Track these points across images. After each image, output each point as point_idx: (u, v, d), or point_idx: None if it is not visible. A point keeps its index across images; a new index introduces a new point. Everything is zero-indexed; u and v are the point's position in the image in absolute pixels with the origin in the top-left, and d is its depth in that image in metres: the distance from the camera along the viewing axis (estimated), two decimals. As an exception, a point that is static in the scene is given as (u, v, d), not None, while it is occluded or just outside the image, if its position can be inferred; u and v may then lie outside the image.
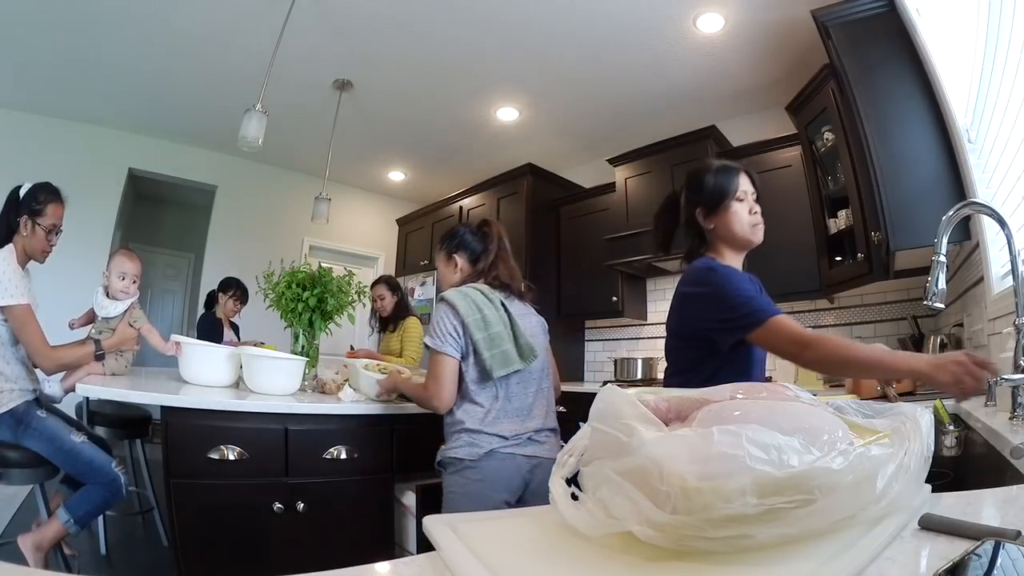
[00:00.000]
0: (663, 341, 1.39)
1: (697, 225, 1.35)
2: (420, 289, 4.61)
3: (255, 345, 2.71)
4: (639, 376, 3.56)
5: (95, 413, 2.36)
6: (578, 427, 0.61)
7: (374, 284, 3.14)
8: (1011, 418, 1.08)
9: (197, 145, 4.71)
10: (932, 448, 0.58)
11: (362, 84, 3.56)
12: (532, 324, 1.63)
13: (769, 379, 1.34)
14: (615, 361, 3.72)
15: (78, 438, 1.73)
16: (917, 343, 2.44)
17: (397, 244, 5.67)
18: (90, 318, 2.05)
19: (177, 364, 1.95)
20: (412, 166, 5.11)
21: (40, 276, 1.84)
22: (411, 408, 1.82)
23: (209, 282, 4.24)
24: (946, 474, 1.14)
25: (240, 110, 2.65)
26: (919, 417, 0.59)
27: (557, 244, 4.21)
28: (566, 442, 0.63)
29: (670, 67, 3.20)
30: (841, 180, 2.58)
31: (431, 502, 1.58)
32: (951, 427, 1.27)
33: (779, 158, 3.01)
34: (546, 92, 3.60)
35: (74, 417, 2.00)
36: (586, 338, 4.41)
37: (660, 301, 3.95)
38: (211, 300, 3.64)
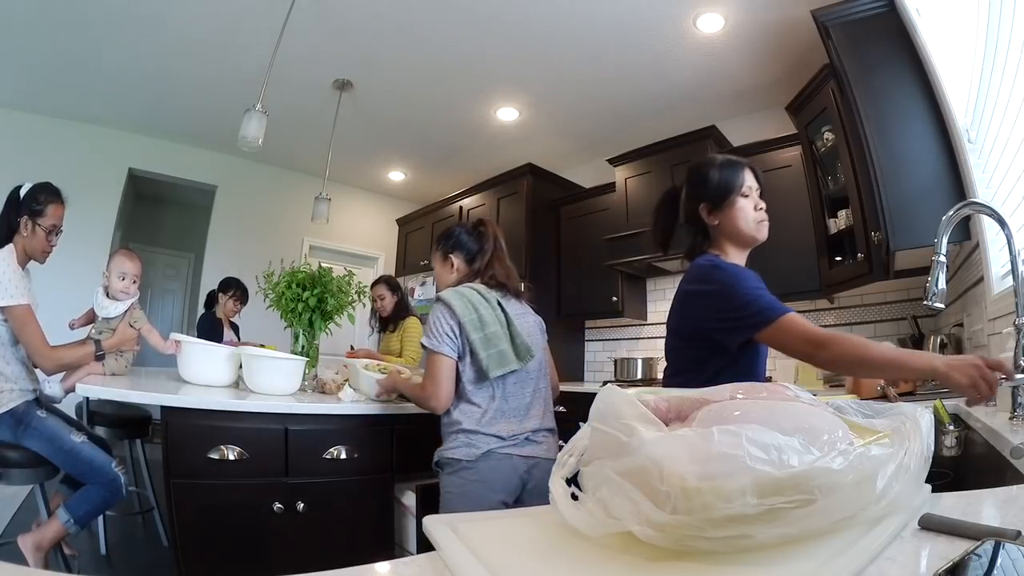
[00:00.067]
0: (663, 341, 1.36)
1: (699, 221, 1.31)
2: (420, 289, 4.61)
3: (255, 345, 2.72)
4: (639, 376, 3.56)
5: (95, 413, 2.36)
6: (578, 427, 0.61)
7: (374, 284, 3.14)
8: (1011, 418, 1.08)
9: (197, 145, 4.71)
10: (932, 448, 0.58)
11: (362, 84, 3.56)
12: (529, 324, 1.63)
13: (769, 379, 1.33)
14: (615, 361, 3.72)
15: (78, 438, 1.73)
16: (917, 343, 2.44)
17: (397, 244, 5.67)
18: (90, 318, 2.05)
19: (177, 364, 1.95)
20: (412, 166, 5.11)
21: (40, 276, 1.84)
22: (411, 408, 1.82)
23: (209, 282, 4.24)
24: (946, 474, 1.14)
25: (240, 110, 2.65)
26: (919, 417, 0.59)
27: (557, 244, 4.21)
28: (565, 442, 0.63)
29: (670, 67, 3.20)
30: (841, 180, 2.58)
31: (431, 502, 1.58)
32: (951, 427, 1.27)
33: (779, 158, 3.01)
34: (546, 92, 3.60)
35: (74, 417, 2.00)
36: (586, 338, 4.41)
37: (660, 301, 3.95)
38: (211, 300, 3.64)
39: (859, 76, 2.21)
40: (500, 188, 4.37)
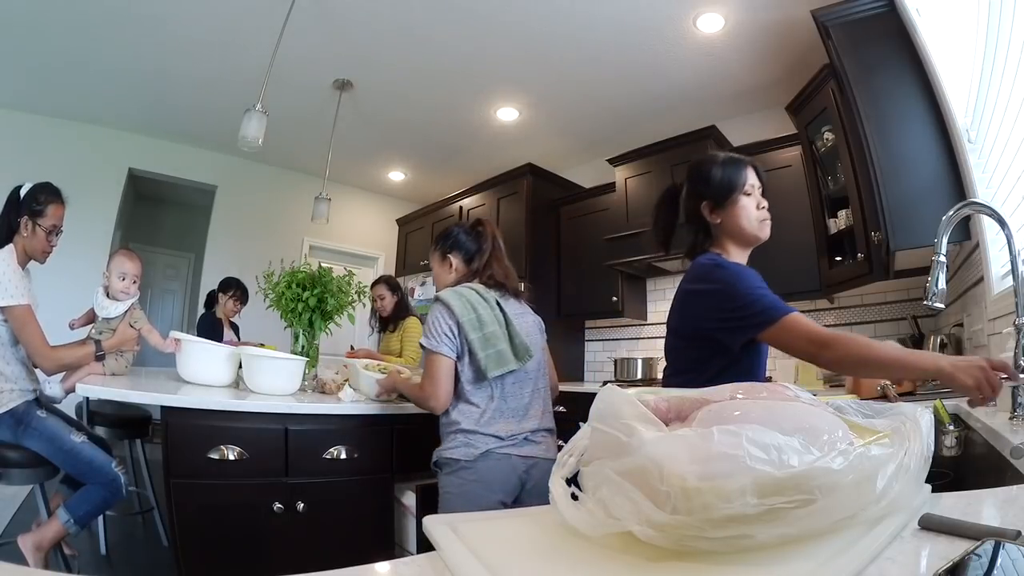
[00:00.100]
0: (663, 341, 1.35)
1: (701, 220, 1.29)
2: (420, 289, 4.61)
3: (255, 345, 2.72)
4: (639, 376, 3.56)
5: (95, 413, 2.36)
6: (578, 427, 0.61)
7: (374, 284, 3.14)
8: (1011, 418, 1.08)
9: (197, 145, 4.71)
10: (932, 448, 0.58)
11: (362, 84, 3.56)
12: (528, 323, 1.63)
13: (769, 379, 1.33)
14: (615, 361, 3.72)
15: (78, 438, 1.73)
16: (917, 343, 2.44)
17: (397, 244, 5.67)
18: (90, 318, 2.05)
19: (176, 364, 1.95)
20: (412, 166, 5.11)
21: (40, 276, 1.84)
22: (411, 408, 1.82)
23: (209, 282, 4.24)
24: (946, 474, 1.14)
25: (240, 110, 2.65)
26: (919, 417, 0.59)
27: (557, 244, 4.21)
28: (565, 442, 0.63)
29: (670, 67, 3.20)
30: (841, 180, 2.58)
31: (431, 502, 1.57)
32: (951, 427, 1.26)
33: (779, 158, 3.01)
34: (546, 92, 3.60)
35: (74, 417, 2.00)
36: (586, 338, 4.41)
37: (660, 301, 3.95)
38: (211, 300, 3.64)
39: (859, 76, 2.21)
40: (500, 188, 4.37)
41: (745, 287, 1.11)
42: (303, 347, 2.24)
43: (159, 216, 5.91)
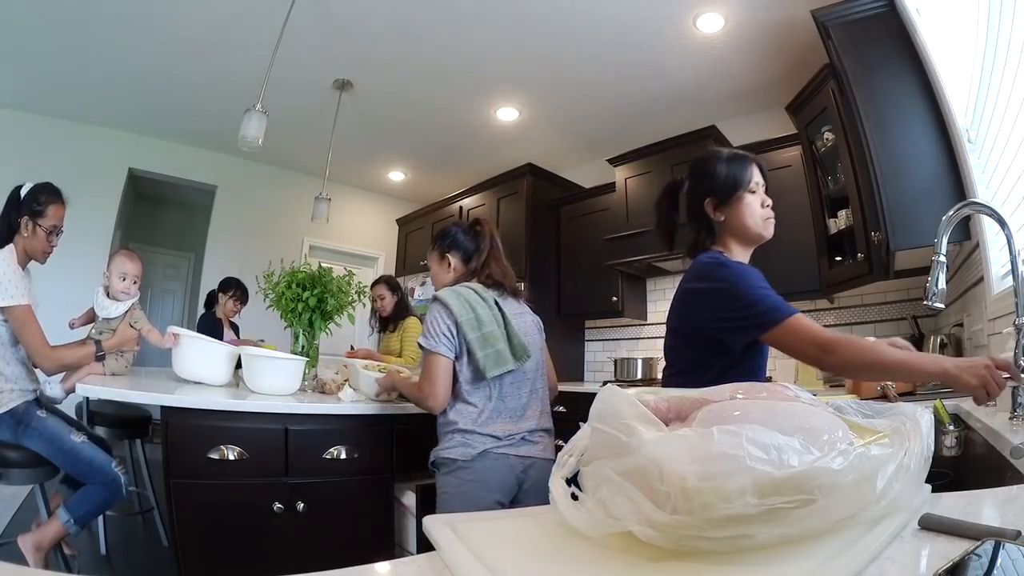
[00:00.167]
0: (663, 340, 1.33)
1: (703, 217, 1.26)
2: (420, 289, 4.61)
3: (255, 343, 2.72)
4: (639, 376, 3.56)
5: (95, 413, 2.36)
6: (578, 427, 0.61)
7: (374, 284, 3.14)
8: (1011, 418, 1.08)
9: (197, 145, 4.71)
10: (932, 448, 0.58)
11: (362, 84, 3.56)
12: (527, 323, 1.63)
13: (769, 379, 1.33)
14: (615, 361, 3.72)
15: (78, 438, 1.73)
16: (917, 343, 2.44)
17: (397, 244, 5.67)
18: (90, 317, 2.05)
19: (173, 361, 1.94)
20: (412, 166, 5.11)
21: (40, 276, 1.84)
22: (411, 408, 1.82)
23: (209, 282, 4.24)
24: (946, 474, 1.14)
25: (240, 110, 2.65)
26: (919, 417, 0.58)
27: (557, 244, 4.21)
28: (565, 442, 0.63)
29: (670, 67, 3.20)
30: (841, 180, 2.58)
31: (431, 502, 1.57)
32: (951, 427, 1.26)
33: (779, 158, 3.01)
34: (546, 92, 3.60)
35: (74, 417, 2.00)
36: (586, 338, 4.41)
37: (660, 301, 3.95)
38: (211, 300, 3.64)
39: (859, 76, 2.21)
40: (500, 188, 4.37)
41: (748, 287, 1.09)
42: (303, 347, 2.24)
43: (159, 216, 5.91)
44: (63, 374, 1.85)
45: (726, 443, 0.45)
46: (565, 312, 4.10)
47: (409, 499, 1.82)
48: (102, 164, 4.34)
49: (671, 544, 0.44)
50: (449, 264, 1.68)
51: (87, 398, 2.27)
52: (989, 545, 0.41)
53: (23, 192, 1.76)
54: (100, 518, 2.14)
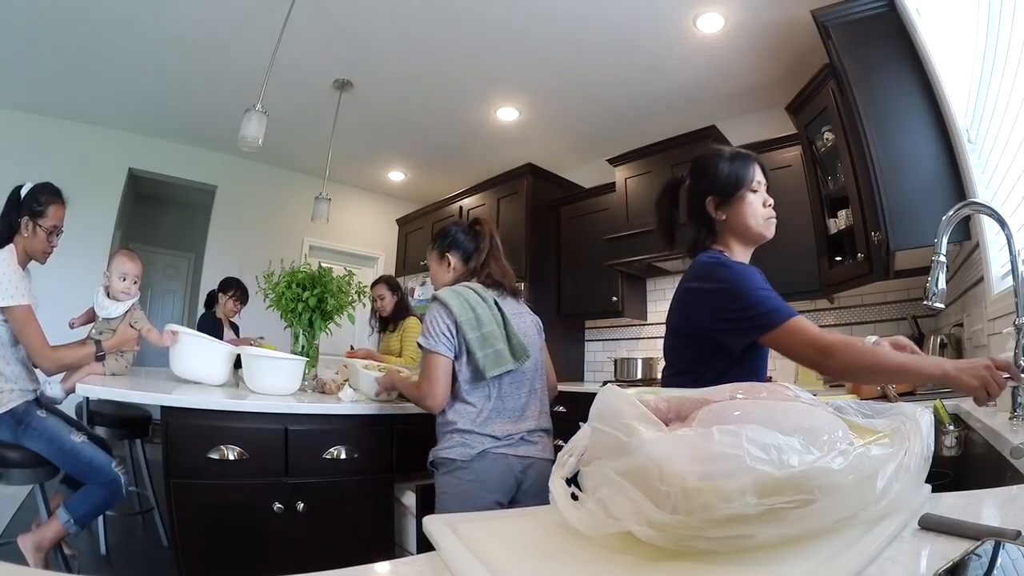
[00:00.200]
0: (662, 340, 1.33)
1: (704, 215, 1.25)
2: (420, 289, 4.61)
3: (255, 340, 2.72)
4: (639, 376, 3.56)
5: (95, 413, 2.36)
6: (578, 427, 0.61)
7: (374, 284, 3.14)
8: (1011, 418, 1.08)
9: (197, 145, 4.71)
10: (932, 448, 0.58)
11: (362, 84, 3.56)
12: (526, 323, 1.63)
13: (769, 379, 1.33)
14: (615, 361, 3.72)
15: (78, 438, 1.73)
16: (917, 343, 2.43)
17: (397, 244, 5.67)
18: (90, 317, 2.05)
19: (170, 360, 1.94)
20: (412, 166, 5.11)
21: (40, 276, 1.84)
22: (411, 408, 1.82)
23: (209, 282, 4.24)
24: (946, 474, 1.14)
25: (240, 110, 2.65)
26: (919, 417, 0.59)
27: (557, 244, 4.21)
28: (565, 442, 0.63)
29: (670, 67, 3.20)
30: (841, 180, 2.58)
31: (431, 502, 1.57)
32: (951, 427, 1.26)
33: (779, 158, 3.01)
34: (546, 93, 3.60)
35: (74, 417, 2.00)
36: (586, 338, 4.41)
37: (660, 301, 3.95)
38: (211, 300, 3.64)
39: (859, 76, 2.21)
40: (500, 188, 4.37)
41: (748, 288, 1.08)
42: (303, 347, 2.24)
43: (159, 216, 5.92)
44: (63, 374, 1.85)
45: (726, 443, 0.45)
46: (565, 312, 4.10)
47: (409, 499, 1.82)
48: (102, 164, 4.34)
49: (671, 544, 0.44)
50: (449, 263, 1.68)
51: (87, 398, 2.27)
52: (989, 545, 0.41)
53: (23, 192, 1.76)
54: (100, 518, 2.14)
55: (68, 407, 1.94)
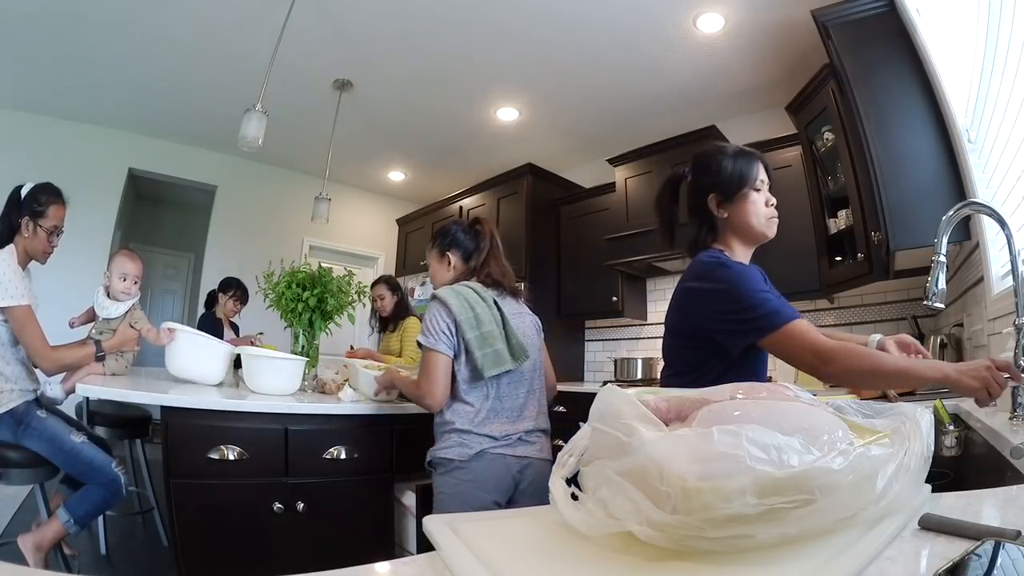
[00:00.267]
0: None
1: (705, 213, 1.23)
2: (420, 289, 4.61)
3: (255, 336, 2.72)
4: (639, 376, 3.56)
5: (95, 413, 2.37)
6: (578, 427, 0.61)
7: (374, 284, 3.14)
8: (1011, 418, 1.08)
9: (197, 145, 4.71)
10: (932, 448, 0.58)
11: (362, 84, 3.56)
12: (525, 323, 1.63)
13: (769, 379, 1.32)
14: (615, 361, 3.72)
15: (78, 438, 1.73)
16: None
17: (397, 244, 5.67)
18: (90, 316, 2.05)
19: (166, 359, 1.94)
20: (412, 166, 5.11)
21: (40, 276, 1.84)
22: (411, 408, 1.82)
23: (209, 282, 4.24)
24: (946, 474, 1.14)
25: (240, 110, 2.65)
26: (919, 417, 0.58)
27: (557, 244, 4.21)
28: (564, 442, 0.63)
29: (670, 67, 3.20)
30: (841, 180, 2.58)
31: (431, 502, 1.58)
32: (951, 427, 1.26)
33: (779, 158, 3.00)
34: (546, 93, 3.60)
35: (74, 417, 2.00)
36: (586, 338, 4.41)
37: (660, 301, 3.95)
38: (211, 300, 3.65)
39: (859, 76, 2.21)
40: (500, 188, 4.37)
41: (748, 289, 1.06)
42: (303, 347, 2.24)
43: (159, 216, 5.92)
44: (63, 375, 1.85)
45: (726, 443, 0.45)
46: (565, 312, 4.10)
47: (409, 499, 1.82)
48: (102, 164, 4.34)
49: (671, 544, 0.44)
50: (449, 262, 1.68)
51: (87, 398, 2.27)
52: (989, 545, 0.41)
53: (23, 192, 1.76)
54: (100, 518, 2.14)
55: (68, 407, 1.94)
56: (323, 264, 2.46)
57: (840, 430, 0.53)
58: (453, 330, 1.48)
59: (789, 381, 1.38)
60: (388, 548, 1.78)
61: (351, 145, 4.39)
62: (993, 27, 1.68)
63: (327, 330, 2.29)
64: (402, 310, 3.13)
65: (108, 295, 1.99)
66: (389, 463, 1.84)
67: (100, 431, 2.21)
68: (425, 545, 0.55)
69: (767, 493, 0.42)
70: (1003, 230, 1.13)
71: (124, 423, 2.43)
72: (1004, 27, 1.60)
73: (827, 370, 0.99)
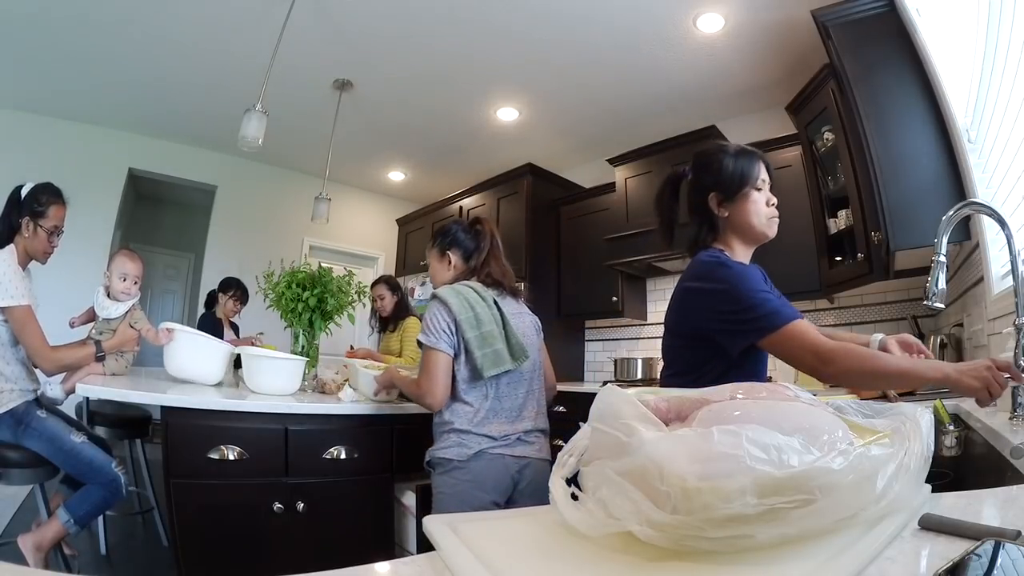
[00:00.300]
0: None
1: (706, 212, 1.22)
2: (420, 289, 4.61)
3: (255, 337, 2.72)
4: (639, 376, 3.56)
5: (95, 413, 2.37)
6: (578, 427, 0.61)
7: (374, 284, 3.14)
8: (1011, 418, 1.08)
9: (197, 145, 4.71)
10: (932, 448, 0.58)
11: (362, 84, 3.56)
12: (525, 323, 1.63)
13: (769, 379, 1.32)
14: (615, 361, 3.72)
15: (78, 438, 1.73)
16: (917, 343, 2.44)
17: (397, 244, 5.67)
18: (90, 316, 2.05)
19: (164, 359, 1.93)
20: (412, 166, 5.11)
21: (40, 276, 1.84)
22: (411, 408, 1.82)
23: (209, 282, 4.24)
24: (946, 474, 1.14)
25: (240, 110, 2.65)
26: (919, 417, 0.58)
27: (557, 244, 4.21)
28: (564, 442, 0.63)
29: (670, 67, 3.20)
30: (841, 180, 2.58)
31: (431, 502, 1.58)
32: (951, 427, 1.26)
33: (779, 158, 3.00)
34: (546, 93, 3.60)
35: (74, 417, 2.00)
36: (586, 338, 4.41)
37: (660, 301, 3.95)
38: (211, 300, 3.65)
39: (859, 76, 2.21)
40: (500, 188, 4.37)
41: (748, 289, 1.06)
42: (303, 347, 2.24)
43: (159, 216, 5.92)
44: (63, 375, 1.85)
45: (726, 443, 0.45)
46: (565, 312, 4.10)
47: (409, 499, 1.82)
48: (102, 164, 4.34)
49: (671, 544, 0.44)
50: (449, 262, 1.68)
51: (87, 398, 2.27)
52: (989, 545, 0.41)
53: (23, 192, 1.76)
54: (100, 518, 2.14)
55: (68, 407, 1.94)
56: (323, 264, 2.46)
57: (840, 430, 0.53)
58: (453, 329, 1.48)
59: (789, 381, 1.38)
60: (388, 548, 1.78)
61: (351, 145, 4.39)
62: (993, 27, 1.68)
63: (327, 330, 2.29)
64: (402, 310, 3.13)
65: (108, 295, 1.99)
66: (389, 463, 1.84)
67: (100, 431, 2.21)
68: (425, 545, 0.55)
69: (767, 493, 0.42)
70: (1003, 230, 1.13)
71: (124, 423, 2.44)
72: (1004, 27, 1.60)
73: (827, 371, 0.99)
